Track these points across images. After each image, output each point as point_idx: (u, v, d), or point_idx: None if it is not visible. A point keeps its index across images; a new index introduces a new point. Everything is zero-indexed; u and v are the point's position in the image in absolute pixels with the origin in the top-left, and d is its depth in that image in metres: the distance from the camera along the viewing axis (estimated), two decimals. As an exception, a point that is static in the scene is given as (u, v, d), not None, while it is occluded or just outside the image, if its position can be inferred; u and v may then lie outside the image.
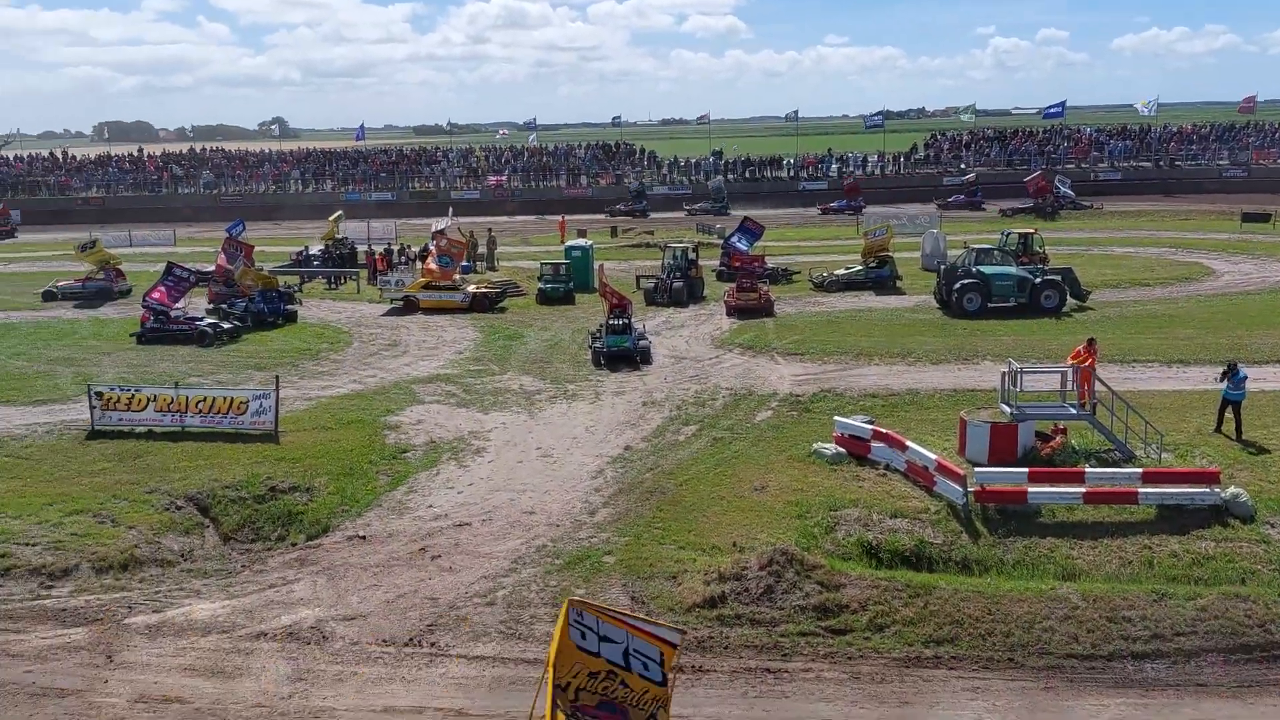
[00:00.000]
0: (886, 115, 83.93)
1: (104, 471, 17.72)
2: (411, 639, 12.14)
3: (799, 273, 36.52)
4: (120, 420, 19.82)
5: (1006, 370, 17.66)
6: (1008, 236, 36.08)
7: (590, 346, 25.64)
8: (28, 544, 14.67)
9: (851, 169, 70.44)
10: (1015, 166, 66.01)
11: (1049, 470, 16.00)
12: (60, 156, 76.33)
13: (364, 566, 14.14)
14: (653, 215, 59.94)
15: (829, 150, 73.97)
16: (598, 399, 21.98)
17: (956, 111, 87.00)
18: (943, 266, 31.52)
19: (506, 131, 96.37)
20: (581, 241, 39.17)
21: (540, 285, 33.92)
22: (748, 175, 70.65)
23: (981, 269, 29.66)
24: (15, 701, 11.02)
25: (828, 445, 17.81)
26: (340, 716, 10.62)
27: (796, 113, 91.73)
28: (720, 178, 69.03)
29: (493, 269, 40.01)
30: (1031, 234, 36.23)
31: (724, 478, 17.00)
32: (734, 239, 37.72)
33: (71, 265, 38.56)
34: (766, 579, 12.94)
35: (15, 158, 76.22)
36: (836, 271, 35.05)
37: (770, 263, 36.90)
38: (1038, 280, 29.58)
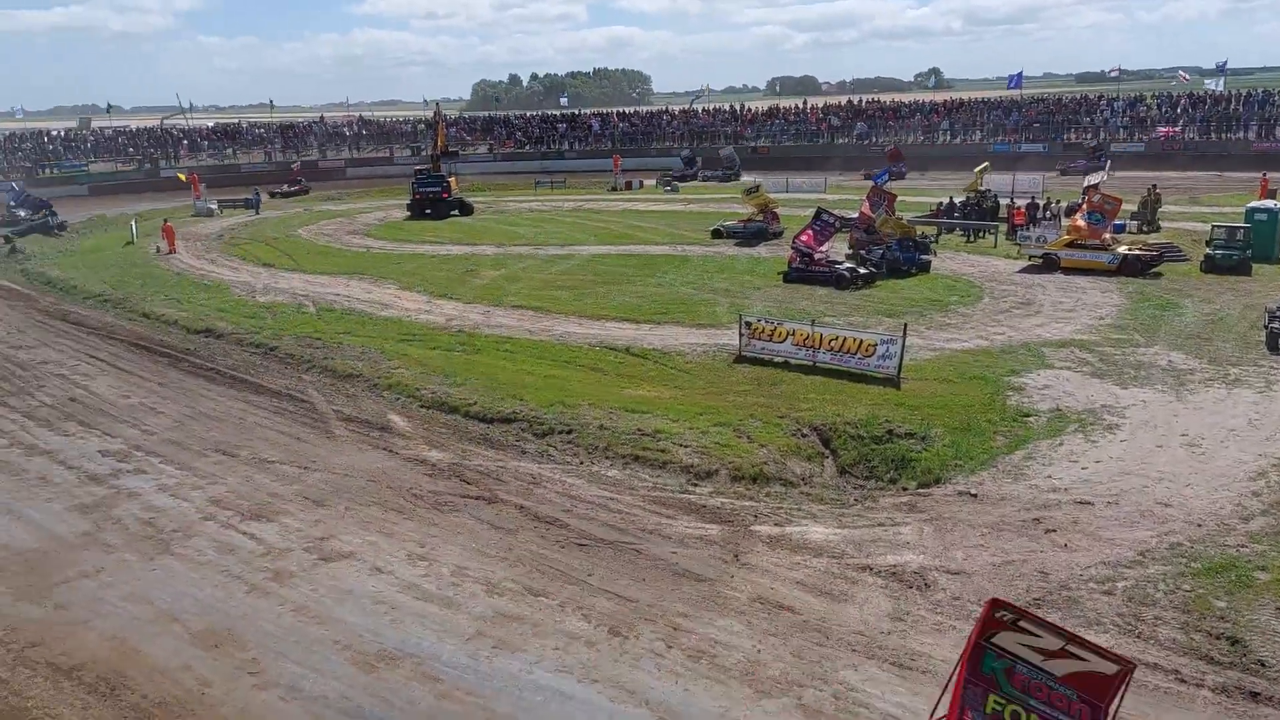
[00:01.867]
0: None
1: (745, 393, 19.77)
2: (1014, 609, 11.65)
3: None
4: (762, 349, 21.86)
5: None
6: None
7: (1267, 326, 21.79)
8: (681, 445, 17.01)
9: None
10: None
11: None
12: (738, 109, 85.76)
13: (972, 524, 13.89)
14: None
15: None
16: (1269, 389, 18.68)
17: None
18: None
19: (1188, 76, 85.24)
20: (1269, 203, 33.29)
21: (1208, 251, 29.64)
22: None
23: None
24: (661, 576, 12.94)
25: None
26: (936, 666, 10.62)
27: None
28: (731, 146, 67.40)
29: (1151, 229, 36.00)
30: None
31: None
32: None
33: (737, 207, 43.26)
34: None
35: (704, 110, 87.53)
36: None
37: None
38: None
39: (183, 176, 61.50)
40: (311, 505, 15.65)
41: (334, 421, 19.63)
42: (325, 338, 25.13)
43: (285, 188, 63.78)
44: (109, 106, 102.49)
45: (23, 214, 48.02)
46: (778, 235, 38.36)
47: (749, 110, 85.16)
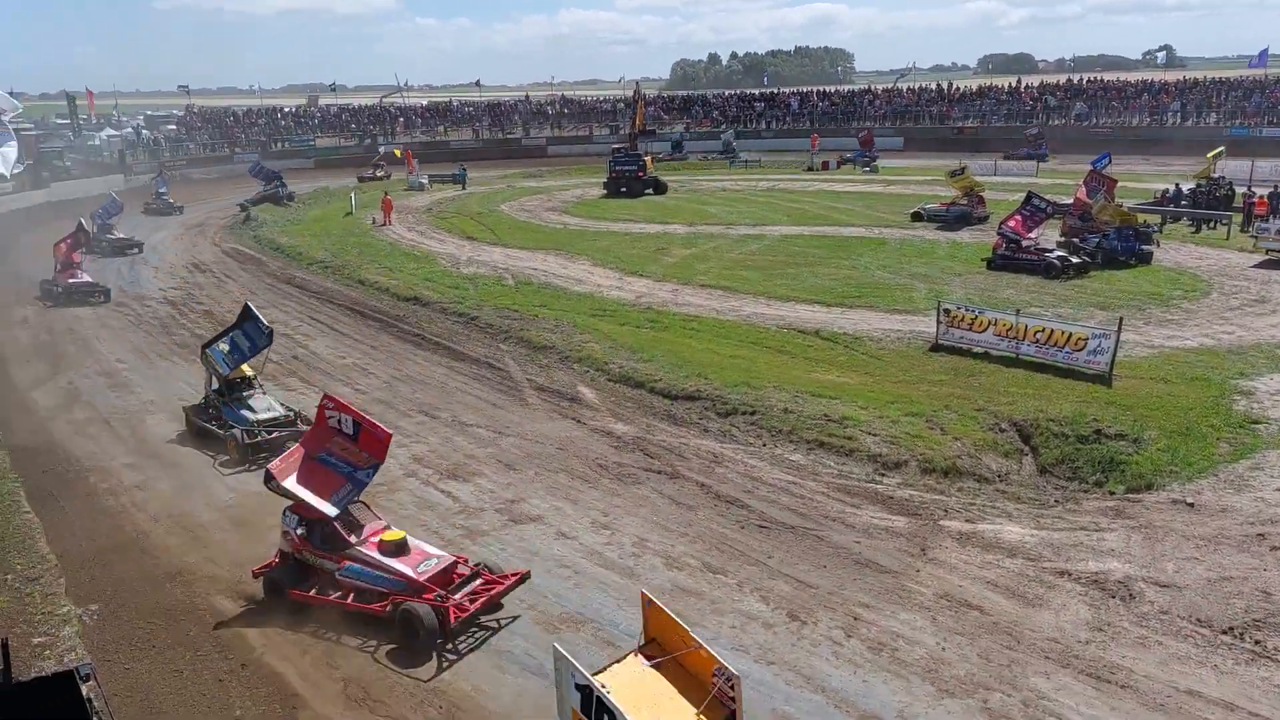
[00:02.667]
0: None
1: (940, 383, 19.05)
2: (1231, 628, 10.74)
3: None
4: (961, 338, 20.97)
5: None
6: None
7: None
8: (870, 434, 16.59)
9: None
10: None
11: None
12: (944, 88, 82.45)
13: (1186, 535, 12.88)
14: None
15: None
16: None
17: None
18: None
19: None
20: None
21: None
22: None
23: None
24: (843, 564, 12.71)
25: None
26: (1138, 682, 9.95)
27: None
28: (732, 130, 74.99)
29: None
30: None
31: None
32: None
33: (939, 190, 41.65)
34: None
35: (908, 89, 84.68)
36: None
37: None
38: None
39: (398, 152, 65.05)
40: (504, 469, 16.29)
41: (528, 390, 20.33)
42: (522, 310, 26.03)
43: (372, 173, 61.49)
44: (334, 85, 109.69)
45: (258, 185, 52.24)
46: (983, 220, 36.67)
47: (956, 89, 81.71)
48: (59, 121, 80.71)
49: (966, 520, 13.76)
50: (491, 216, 44.49)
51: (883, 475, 15.39)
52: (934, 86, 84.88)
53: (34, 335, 26.00)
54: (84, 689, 7.95)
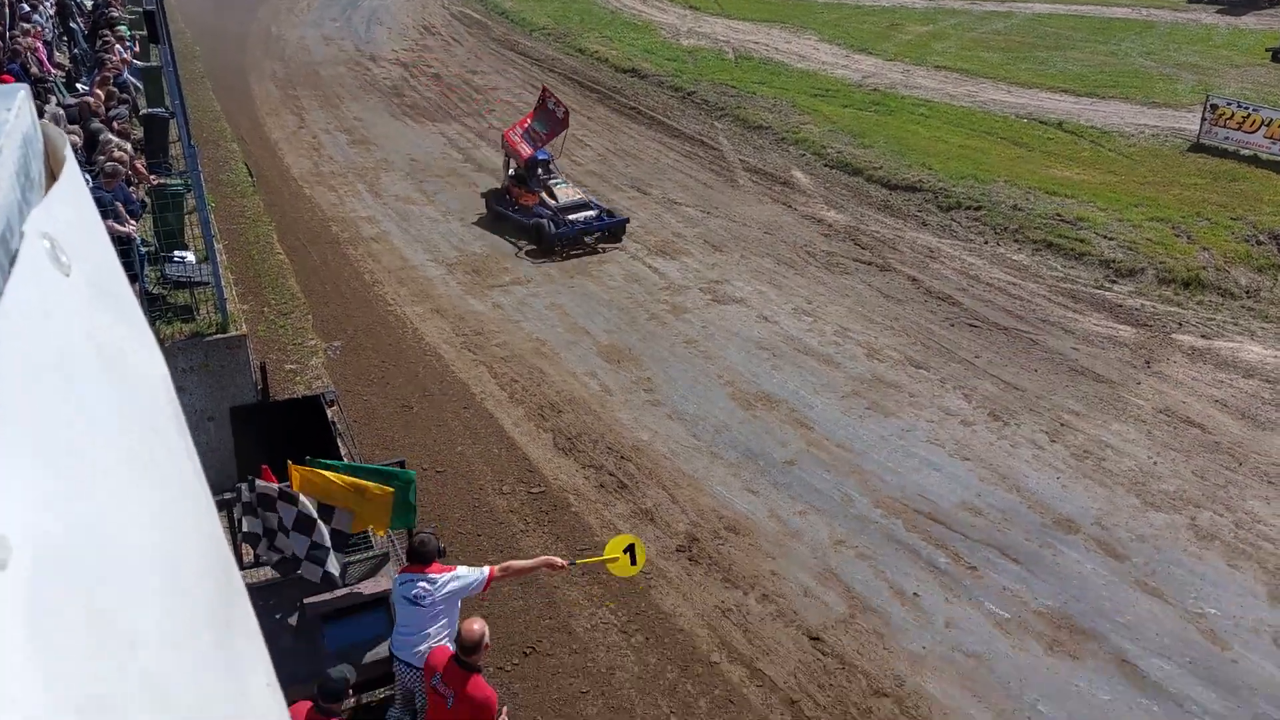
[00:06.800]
0: None
1: (1194, 186, 17.31)
2: None
3: None
4: (1227, 138, 18.78)
5: None
6: None
7: None
8: (1105, 237, 15.44)
9: None
10: None
11: None
12: None
13: None
14: None
15: None
16: None
17: None
18: None
19: None
20: None
21: None
22: None
23: None
24: (1056, 370, 12.21)
25: None
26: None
27: None
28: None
29: None
30: None
31: None
32: None
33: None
34: None
35: None
36: None
37: None
38: None
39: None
40: (710, 249, 16.35)
41: (739, 171, 20.00)
42: (740, 86, 25.19)
43: None
44: None
45: None
46: (1276, 3, 31.79)
47: None
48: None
49: (1202, 336, 12.80)
50: (715, -15, 42.48)
51: (1114, 282, 14.42)
52: None
53: (283, 89, 27.64)
54: (329, 412, 8.94)
